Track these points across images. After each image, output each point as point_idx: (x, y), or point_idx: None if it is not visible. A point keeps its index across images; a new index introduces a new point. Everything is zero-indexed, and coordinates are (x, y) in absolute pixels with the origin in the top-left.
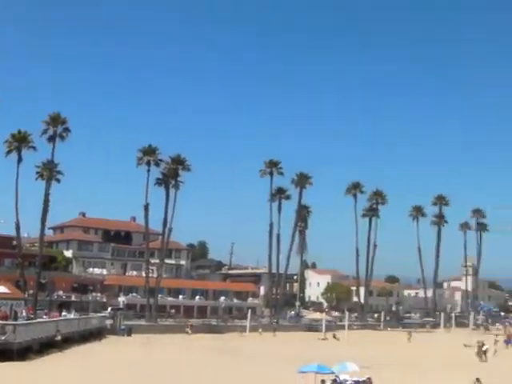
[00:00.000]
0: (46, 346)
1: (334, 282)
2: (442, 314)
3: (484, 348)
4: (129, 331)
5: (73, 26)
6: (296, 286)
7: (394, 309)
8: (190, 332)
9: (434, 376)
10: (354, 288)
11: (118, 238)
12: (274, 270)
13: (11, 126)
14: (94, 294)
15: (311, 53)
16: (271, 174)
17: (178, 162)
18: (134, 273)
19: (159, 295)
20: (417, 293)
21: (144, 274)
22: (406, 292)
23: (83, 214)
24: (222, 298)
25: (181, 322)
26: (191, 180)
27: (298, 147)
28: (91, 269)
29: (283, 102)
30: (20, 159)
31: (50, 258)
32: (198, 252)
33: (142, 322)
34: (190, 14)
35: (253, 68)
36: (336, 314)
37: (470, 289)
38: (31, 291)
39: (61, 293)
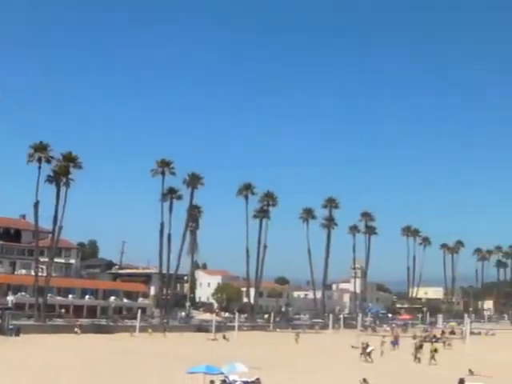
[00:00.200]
0: None
1: (224, 283)
2: (331, 316)
3: (368, 349)
4: (17, 331)
5: None
6: (186, 286)
7: (283, 310)
8: (79, 332)
9: (321, 376)
10: (244, 289)
11: (6, 235)
12: (164, 270)
13: None
14: None
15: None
16: (163, 173)
17: (70, 159)
18: (23, 271)
19: (48, 294)
20: (306, 294)
21: (33, 273)
22: (295, 293)
23: None
24: (112, 298)
25: (70, 322)
26: (83, 178)
27: (190, 147)
28: None
29: (179, 101)
30: None
31: None
32: (89, 251)
33: (31, 322)
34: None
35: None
36: (226, 314)
37: (358, 291)
38: None
39: None
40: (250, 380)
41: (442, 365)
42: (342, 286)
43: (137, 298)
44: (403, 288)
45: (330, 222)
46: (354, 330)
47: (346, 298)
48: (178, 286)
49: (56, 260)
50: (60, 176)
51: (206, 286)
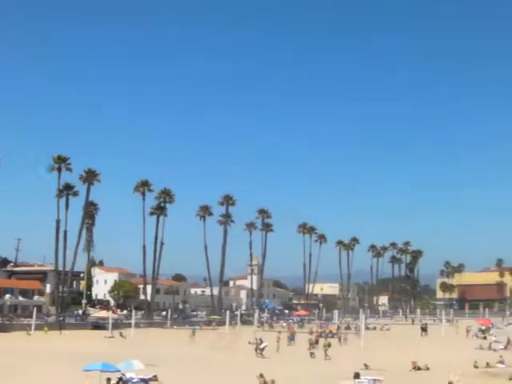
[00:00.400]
0: None
1: (121, 280)
2: (228, 312)
3: (262, 345)
4: None
5: None
6: (83, 283)
7: (180, 307)
8: None
9: (218, 372)
10: (141, 286)
11: None
12: (60, 268)
13: None
14: None
15: None
16: (59, 169)
17: None
18: None
19: None
20: (203, 291)
21: None
22: (192, 290)
23: None
24: (7, 296)
25: None
26: None
27: (86, 143)
28: None
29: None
30: None
31: None
32: None
33: None
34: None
35: None
36: (123, 312)
37: (255, 287)
38: None
39: None
40: (147, 377)
41: (338, 359)
42: (239, 282)
43: (32, 296)
44: (300, 284)
45: (226, 219)
46: (251, 326)
47: (243, 294)
48: (75, 283)
49: None
50: None
51: (102, 284)
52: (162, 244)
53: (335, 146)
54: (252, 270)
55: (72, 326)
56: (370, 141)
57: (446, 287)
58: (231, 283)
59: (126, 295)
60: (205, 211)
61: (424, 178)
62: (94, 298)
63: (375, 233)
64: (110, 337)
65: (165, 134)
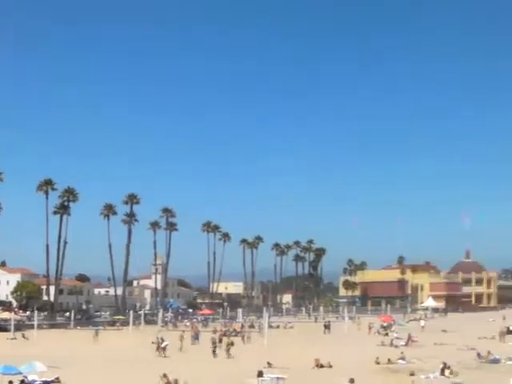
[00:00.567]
0: None
1: (24, 281)
2: (131, 312)
3: (163, 344)
4: None
5: None
6: None
7: (84, 307)
8: None
9: (119, 371)
10: (44, 286)
11: None
12: None
13: None
14: None
15: None
16: None
17: None
18: None
19: None
20: (107, 291)
21: None
22: (96, 290)
23: None
24: None
25: None
26: None
27: None
28: None
29: None
30: None
31: None
32: None
33: None
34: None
35: None
36: (26, 313)
37: (159, 287)
38: None
39: None
40: (49, 379)
41: (241, 358)
42: (143, 282)
43: None
44: (204, 283)
45: (130, 218)
46: (155, 326)
47: (147, 294)
48: None
49: None
50: None
51: (4, 284)
52: (66, 243)
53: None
54: (156, 269)
55: None
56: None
57: (348, 285)
58: (135, 283)
59: (28, 296)
60: (109, 210)
61: (326, 175)
62: None
63: (279, 231)
64: (12, 338)
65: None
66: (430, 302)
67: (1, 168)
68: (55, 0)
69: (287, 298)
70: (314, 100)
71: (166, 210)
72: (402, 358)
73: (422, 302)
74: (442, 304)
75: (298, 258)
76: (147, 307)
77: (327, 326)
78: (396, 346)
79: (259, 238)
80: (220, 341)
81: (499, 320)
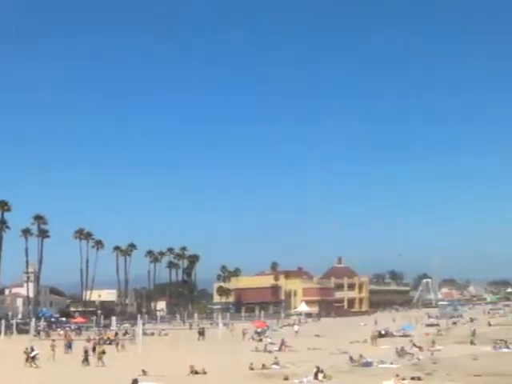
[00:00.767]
0: None
1: None
2: (3, 321)
3: (32, 354)
4: None
5: None
6: None
7: None
8: None
9: None
10: None
11: None
12: None
13: None
14: None
15: None
16: None
17: None
18: None
19: None
20: None
21: None
22: None
23: None
24: None
25: None
26: None
27: None
28: None
29: None
30: None
31: None
32: None
33: None
34: None
35: None
36: None
37: (31, 295)
38: None
39: None
40: None
41: (115, 366)
42: (15, 290)
43: None
44: (77, 291)
45: (1, 225)
46: (28, 335)
47: (20, 302)
48: None
49: None
50: None
51: None
52: None
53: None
54: (28, 277)
55: None
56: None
57: (222, 291)
58: (7, 291)
59: None
60: None
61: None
62: None
63: (153, 238)
64: None
65: None
66: (303, 307)
67: None
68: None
69: (161, 304)
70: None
71: (38, 217)
72: (276, 363)
73: (295, 308)
74: (315, 309)
75: (171, 265)
76: (19, 316)
77: (201, 333)
78: (270, 352)
79: (132, 245)
80: (94, 349)
81: (371, 324)
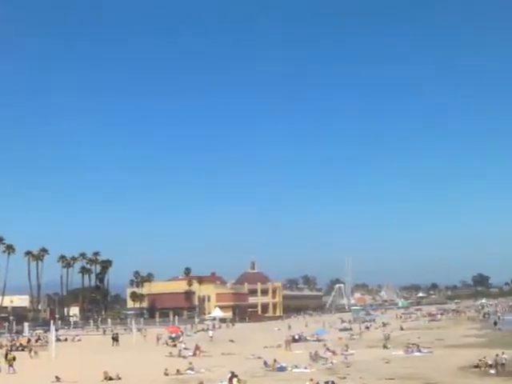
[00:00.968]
0: None
1: None
2: None
3: None
4: None
5: None
6: None
7: None
8: None
9: None
10: None
11: None
12: None
13: None
14: None
15: None
16: None
17: None
18: None
19: None
20: None
21: None
22: None
23: None
24: None
25: None
26: None
27: None
28: None
29: None
30: None
31: None
32: None
33: None
34: None
35: None
36: None
37: None
38: None
39: None
40: None
41: (27, 373)
42: None
43: None
44: None
45: None
46: None
47: None
48: None
49: None
50: None
51: None
52: None
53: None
54: None
55: None
56: None
57: (136, 297)
58: None
59: None
60: None
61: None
62: None
63: (65, 243)
64: None
65: None
66: (217, 313)
67: None
68: None
69: (75, 310)
70: None
71: None
72: (191, 369)
73: (209, 313)
74: (229, 314)
75: (84, 270)
76: None
77: (115, 338)
78: (184, 357)
79: (44, 250)
80: (6, 356)
81: (285, 329)
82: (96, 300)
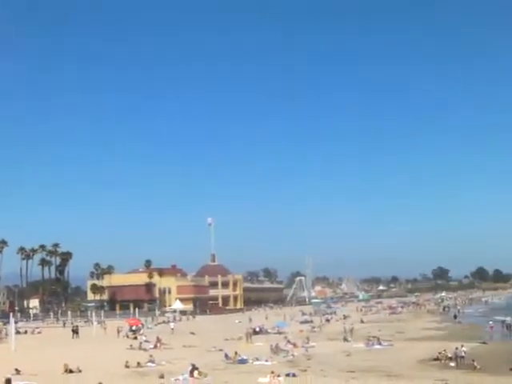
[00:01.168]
0: None
1: None
2: None
3: None
4: None
5: None
6: None
7: None
8: None
9: None
10: None
11: None
12: None
13: None
14: None
15: None
16: None
17: None
18: None
19: None
20: None
21: None
22: None
23: None
24: None
25: None
26: None
27: None
28: None
29: None
30: None
31: None
32: None
33: None
34: None
35: None
36: None
37: None
38: None
39: None
40: None
41: None
42: None
43: None
44: None
45: None
46: None
47: None
48: None
49: None
50: None
51: None
52: None
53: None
54: None
55: None
56: None
57: (96, 289)
58: None
59: None
60: None
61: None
62: None
63: (25, 235)
64: None
65: None
66: (178, 305)
67: None
68: None
69: (34, 302)
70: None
71: None
72: (152, 361)
73: (170, 305)
74: (189, 307)
75: (44, 262)
76: None
77: (75, 331)
78: (145, 349)
79: (4, 242)
80: None
81: (245, 321)
82: (56, 292)
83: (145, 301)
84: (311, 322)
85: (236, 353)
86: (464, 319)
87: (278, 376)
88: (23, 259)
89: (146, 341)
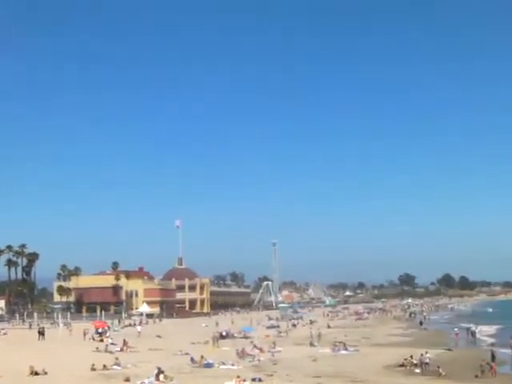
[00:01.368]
0: None
1: None
2: None
3: None
4: None
5: None
6: None
7: None
8: None
9: None
10: None
11: None
12: None
13: None
14: None
15: None
16: None
17: None
18: None
19: None
20: None
21: None
22: None
23: None
24: None
25: None
26: None
27: None
28: None
29: None
30: None
31: None
32: None
33: None
34: None
35: None
36: None
37: None
38: None
39: None
40: None
41: None
42: None
43: None
44: None
45: None
46: None
47: None
48: None
49: None
50: None
51: None
52: None
53: None
54: None
55: None
56: None
57: (62, 291)
58: None
59: None
60: None
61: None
62: None
63: None
64: None
65: None
66: (145, 308)
67: None
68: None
69: (0, 304)
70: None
71: None
72: (117, 364)
73: (136, 308)
74: (156, 310)
75: (10, 263)
76: None
77: (41, 333)
78: (111, 352)
79: None
80: None
81: (212, 325)
82: (22, 293)
83: (111, 303)
84: (278, 326)
85: (202, 357)
86: (430, 326)
87: (244, 380)
88: None
89: (112, 343)
